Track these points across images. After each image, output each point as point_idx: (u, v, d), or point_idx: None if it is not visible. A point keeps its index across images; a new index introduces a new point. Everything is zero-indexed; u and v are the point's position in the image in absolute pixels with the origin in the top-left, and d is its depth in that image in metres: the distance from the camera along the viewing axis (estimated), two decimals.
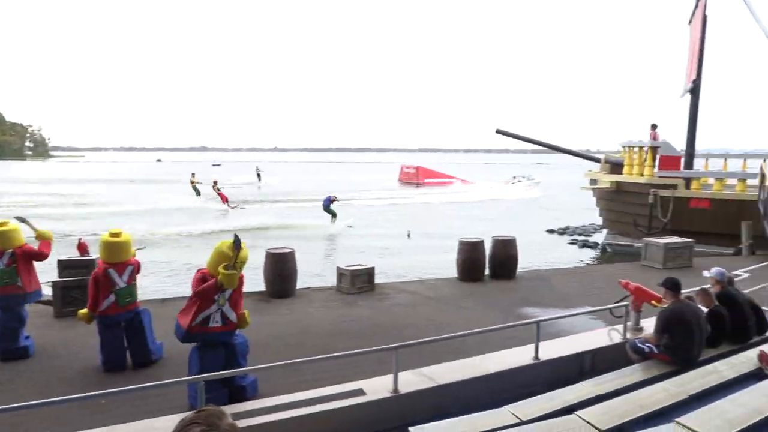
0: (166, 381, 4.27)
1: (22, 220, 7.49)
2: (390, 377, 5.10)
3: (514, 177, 54.87)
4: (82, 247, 9.74)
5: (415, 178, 58.18)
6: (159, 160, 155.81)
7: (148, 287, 12.01)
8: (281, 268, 10.09)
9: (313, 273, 15.17)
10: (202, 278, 5.60)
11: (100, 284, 6.47)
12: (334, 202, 25.99)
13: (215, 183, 34.68)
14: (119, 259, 6.58)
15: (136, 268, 6.80)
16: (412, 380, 5.29)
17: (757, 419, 3.65)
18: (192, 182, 39.51)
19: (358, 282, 10.50)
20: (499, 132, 23.51)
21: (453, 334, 5.70)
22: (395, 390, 4.99)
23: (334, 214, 25.96)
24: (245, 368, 5.29)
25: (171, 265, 17.15)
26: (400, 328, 8.35)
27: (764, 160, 17.77)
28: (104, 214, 29.52)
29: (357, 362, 6.63)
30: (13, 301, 6.99)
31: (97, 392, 4.49)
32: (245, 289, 6.37)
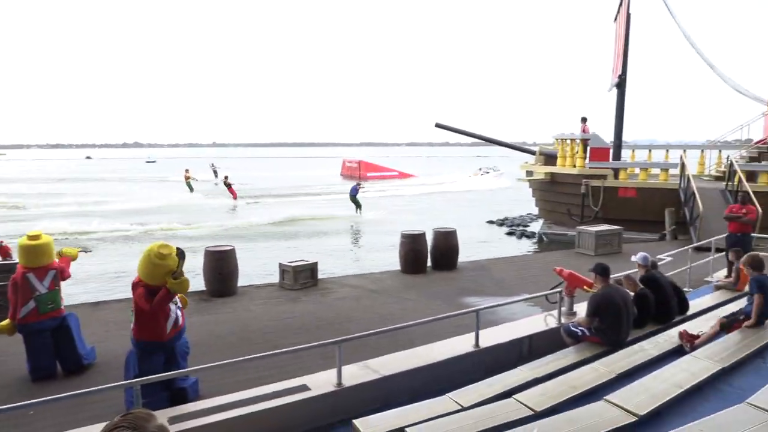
0: (100, 387, 4.08)
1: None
2: (334, 371, 5.11)
3: (480, 169, 56.86)
4: (3, 251, 9.15)
5: (357, 172, 58.15)
6: (89, 157, 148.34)
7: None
8: (221, 267, 9.85)
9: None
10: (148, 291, 5.34)
11: (18, 290, 6.06)
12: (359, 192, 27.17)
13: (226, 178, 34.62)
14: (39, 263, 6.13)
15: (60, 272, 6.37)
16: (356, 373, 5.31)
17: (677, 393, 3.91)
18: (186, 178, 39.03)
19: (301, 278, 10.42)
20: (438, 126, 23.83)
21: (395, 326, 5.76)
22: (339, 384, 5.00)
23: (359, 205, 27.00)
24: (185, 369, 5.14)
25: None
26: (344, 322, 8.36)
27: (684, 151, 18.97)
28: (117, 212, 28.75)
29: (300, 358, 6.61)
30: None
31: (23, 402, 4.24)
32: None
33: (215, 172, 51.96)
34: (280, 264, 10.81)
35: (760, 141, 21.72)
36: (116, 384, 4.22)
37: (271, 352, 4.93)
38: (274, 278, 11.22)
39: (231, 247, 10.28)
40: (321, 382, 5.06)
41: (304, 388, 4.94)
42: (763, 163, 19.02)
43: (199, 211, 29.03)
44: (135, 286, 5.47)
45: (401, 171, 60.67)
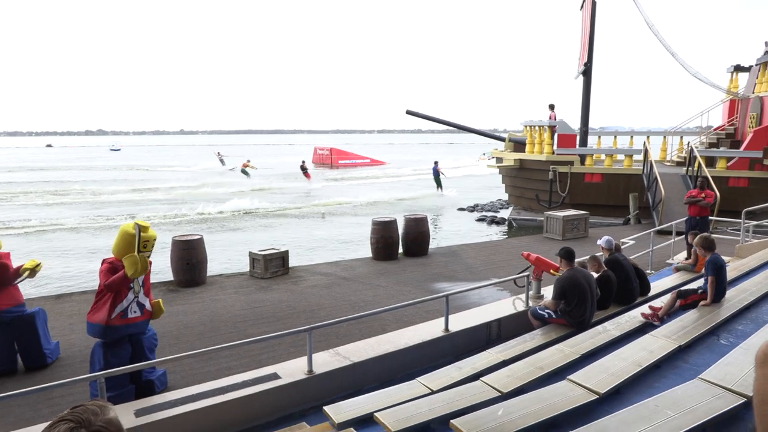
0: (60, 381, 4.00)
1: None
2: (305, 359, 5.12)
3: (484, 154, 58.01)
4: None
5: (329, 159, 57.90)
6: (49, 145, 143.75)
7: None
8: (189, 256, 9.72)
9: None
10: (111, 269, 5.28)
11: None
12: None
13: (303, 162, 37.63)
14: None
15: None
16: (327, 360, 5.33)
17: (636, 371, 4.06)
18: (245, 165, 42.01)
19: (272, 266, 10.37)
20: (409, 113, 23.85)
21: (366, 312, 5.79)
22: (310, 371, 5.01)
23: (440, 184, 28.83)
24: (152, 361, 5.08)
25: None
26: (315, 309, 8.37)
27: (647, 138, 19.43)
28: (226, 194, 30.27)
29: (271, 347, 6.62)
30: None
31: None
32: (153, 279, 6.12)
33: (222, 161, 52.97)
34: (250, 253, 10.72)
35: (719, 127, 22.43)
36: (77, 378, 4.12)
37: (241, 341, 4.90)
38: None
39: (199, 236, 10.14)
40: (292, 370, 5.06)
41: (274, 376, 4.94)
42: (722, 148, 19.68)
43: (294, 193, 31.90)
44: (102, 263, 5.42)
45: (373, 158, 60.68)
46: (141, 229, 5.27)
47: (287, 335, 5.12)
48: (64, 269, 14.67)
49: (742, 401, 3.05)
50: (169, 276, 10.31)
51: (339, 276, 10.50)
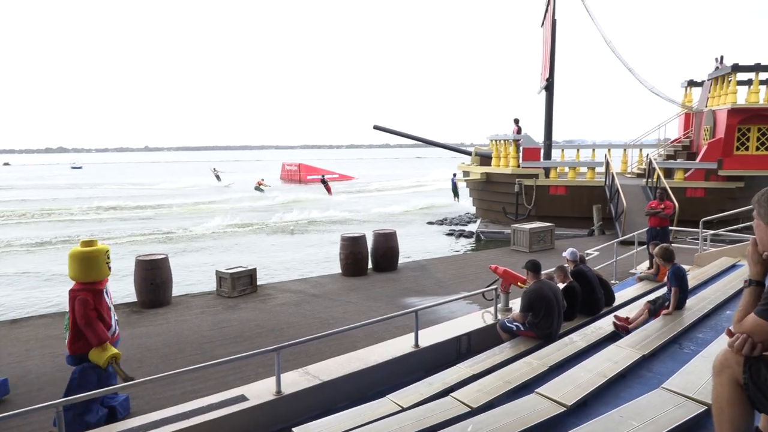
0: (17, 411, 3.83)
1: None
2: (273, 379, 5.03)
3: (455, 174, 59.09)
4: None
5: (297, 175, 57.65)
6: (7, 164, 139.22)
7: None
8: (153, 276, 9.48)
9: None
10: (86, 300, 5.06)
11: None
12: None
13: (324, 177, 42.94)
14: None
15: None
16: (296, 380, 5.25)
17: (602, 382, 4.12)
18: (259, 183, 45.75)
19: (240, 285, 10.20)
20: (376, 128, 23.99)
21: (335, 330, 5.74)
22: (278, 392, 4.92)
23: (456, 194, 31.81)
24: (114, 387, 4.89)
25: None
26: (284, 328, 8.25)
27: (608, 150, 20.00)
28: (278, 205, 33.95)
29: (238, 368, 6.48)
30: None
31: None
32: (115, 300, 5.93)
33: (218, 177, 54.75)
34: (217, 271, 10.53)
35: (675, 140, 23.25)
36: (36, 407, 3.94)
37: (207, 363, 4.78)
38: None
39: (164, 256, 9.91)
40: (259, 391, 4.96)
41: (241, 398, 4.83)
42: (679, 160, 20.38)
43: (326, 204, 34.57)
44: (76, 293, 5.13)
45: (342, 173, 60.71)
46: (87, 243, 5.20)
47: (255, 355, 5.03)
48: (25, 293, 14.13)
49: (704, 409, 3.12)
50: (132, 297, 10.02)
51: (308, 293, 10.39)
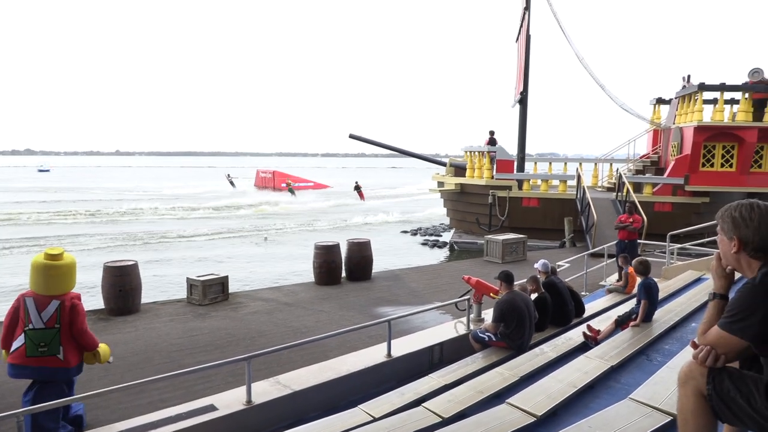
0: None
1: None
2: (243, 389, 4.95)
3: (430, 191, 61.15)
4: None
5: (271, 182, 57.26)
6: None
7: None
8: (122, 283, 9.26)
9: None
10: (75, 306, 4.85)
11: None
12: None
13: (357, 182, 45.46)
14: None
15: None
16: (267, 390, 5.18)
17: (572, 392, 4.18)
18: (288, 184, 49.23)
19: (211, 292, 10.04)
20: (352, 137, 24.02)
21: (307, 339, 5.69)
22: (249, 402, 4.85)
23: None
24: (79, 395, 4.74)
25: None
26: (255, 337, 8.14)
27: (580, 164, 20.41)
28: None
29: (208, 377, 6.36)
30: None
31: None
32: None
33: (232, 183, 56.20)
34: (187, 278, 10.35)
35: (644, 155, 23.87)
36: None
37: (175, 372, 4.68)
38: None
39: (133, 262, 9.70)
40: (229, 401, 4.88)
41: (211, 408, 4.74)
42: (647, 175, 20.92)
43: (361, 209, 37.08)
44: (72, 301, 4.77)
45: (317, 182, 60.56)
46: (52, 257, 4.88)
47: (225, 364, 4.95)
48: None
49: (669, 419, 3.19)
50: (100, 304, 9.77)
51: (281, 301, 10.28)
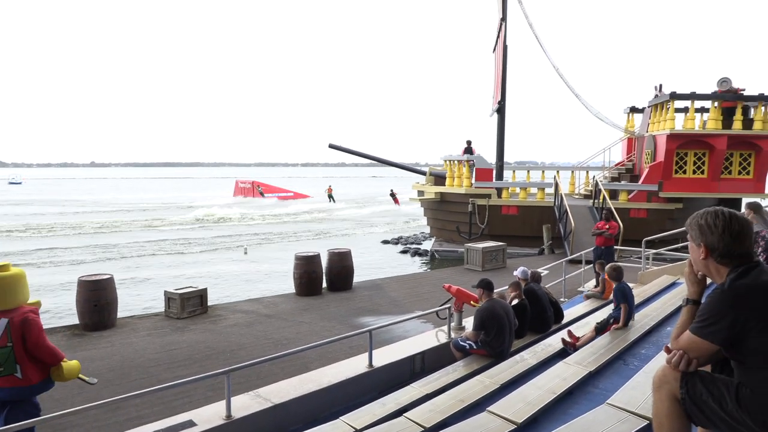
0: None
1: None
2: (223, 403, 4.88)
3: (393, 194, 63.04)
4: None
5: (251, 192, 56.91)
6: None
7: None
8: (97, 297, 9.09)
9: None
10: (28, 321, 4.64)
11: None
12: None
13: (392, 190, 46.12)
14: None
15: None
16: (247, 403, 5.11)
17: (551, 398, 4.22)
18: (329, 191, 51.48)
19: (189, 305, 9.91)
20: (332, 146, 24.03)
21: (288, 351, 5.63)
22: (228, 416, 4.78)
23: None
24: (53, 414, 4.61)
25: None
26: (235, 350, 8.06)
27: (557, 172, 20.70)
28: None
29: (187, 392, 6.27)
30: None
31: None
32: (55, 323, 5.65)
33: (262, 194, 56.77)
34: (165, 292, 10.21)
35: (619, 163, 24.31)
36: None
37: (153, 388, 4.60)
38: None
39: (109, 276, 9.54)
40: (208, 416, 4.80)
41: (189, 423, 4.66)
42: (622, 182, 21.30)
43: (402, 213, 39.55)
44: (29, 314, 4.51)
45: (296, 192, 60.34)
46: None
47: (204, 379, 4.88)
48: None
49: (645, 423, 3.24)
50: (74, 319, 9.58)
51: (261, 313, 10.20)
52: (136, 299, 14.50)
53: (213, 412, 4.90)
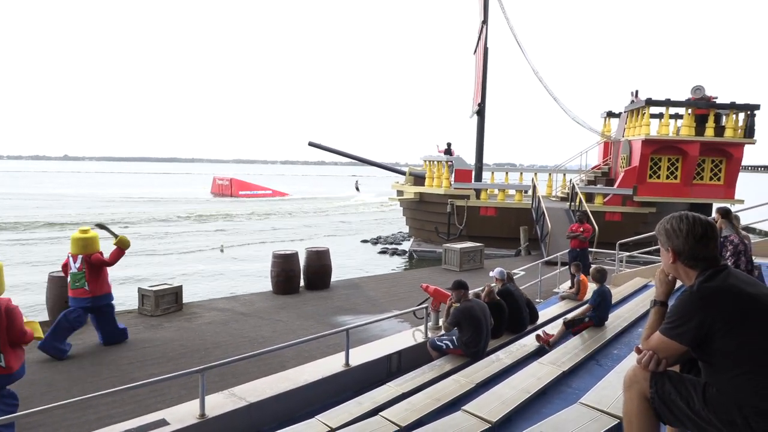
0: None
1: (101, 226, 8.13)
2: (197, 402, 4.83)
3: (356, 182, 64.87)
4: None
5: (228, 190, 56.32)
6: None
7: None
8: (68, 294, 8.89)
9: None
10: (11, 310, 4.71)
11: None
12: None
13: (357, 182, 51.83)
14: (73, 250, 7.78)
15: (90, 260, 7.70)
16: (222, 402, 5.07)
17: (525, 398, 4.27)
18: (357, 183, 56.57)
19: (164, 303, 9.77)
20: (311, 144, 23.92)
21: (264, 349, 5.60)
22: (203, 415, 4.73)
23: None
24: (21, 412, 4.51)
25: None
26: (210, 348, 7.97)
27: (535, 174, 20.94)
28: None
29: (160, 390, 6.18)
30: (79, 303, 7.75)
31: None
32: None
33: (357, 188, 57.83)
34: (139, 289, 10.04)
35: (596, 167, 24.71)
36: None
37: (125, 386, 4.53)
38: None
39: None
40: (182, 415, 4.75)
41: (162, 422, 4.60)
42: (598, 186, 21.65)
43: None
44: (9, 303, 4.77)
45: (275, 189, 59.91)
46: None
47: (177, 377, 4.82)
48: None
49: (616, 422, 3.31)
50: (44, 316, 9.36)
51: (237, 311, 10.10)
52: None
53: (186, 411, 4.85)
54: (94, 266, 7.72)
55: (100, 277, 7.80)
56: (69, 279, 7.79)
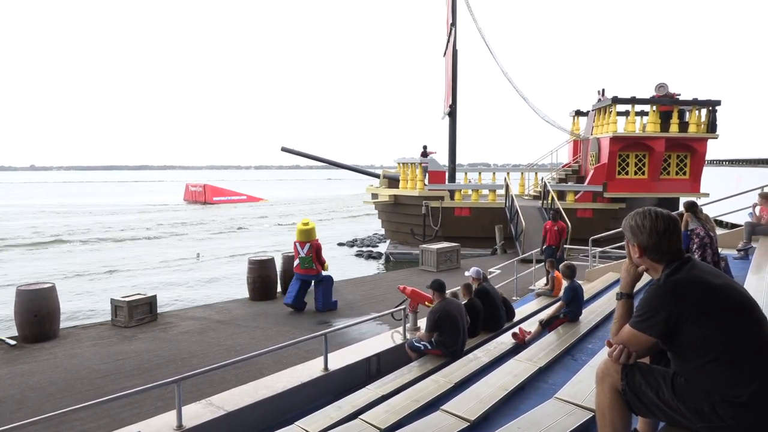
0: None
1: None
2: (173, 413, 4.75)
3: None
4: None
5: (202, 196, 55.57)
6: None
7: None
8: (37, 307, 8.67)
9: None
10: None
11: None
12: None
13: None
14: (300, 238, 10.53)
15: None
16: (199, 412, 4.99)
17: (503, 395, 4.32)
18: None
19: (138, 313, 9.59)
20: (284, 150, 23.77)
21: (241, 357, 5.55)
22: (180, 426, 4.65)
23: None
24: None
25: None
26: (186, 357, 7.85)
27: (507, 174, 21.20)
28: None
29: (135, 403, 6.08)
30: (308, 278, 10.54)
31: None
32: None
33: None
34: (112, 300, 9.84)
35: (566, 165, 25.13)
36: None
37: (99, 400, 4.43)
38: None
39: (51, 285, 9.12)
40: (158, 427, 4.67)
41: None
42: (569, 183, 22.03)
43: None
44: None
45: (249, 195, 59.34)
46: None
47: (153, 389, 4.74)
48: None
49: (591, 416, 3.36)
50: (13, 331, 9.10)
51: (213, 320, 9.98)
52: (80, 308, 13.92)
53: (163, 423, 4.76)
54: (317, 251, 10.44)
55: (319, 259, 10.48)
56: (297, 261, 10.46)
